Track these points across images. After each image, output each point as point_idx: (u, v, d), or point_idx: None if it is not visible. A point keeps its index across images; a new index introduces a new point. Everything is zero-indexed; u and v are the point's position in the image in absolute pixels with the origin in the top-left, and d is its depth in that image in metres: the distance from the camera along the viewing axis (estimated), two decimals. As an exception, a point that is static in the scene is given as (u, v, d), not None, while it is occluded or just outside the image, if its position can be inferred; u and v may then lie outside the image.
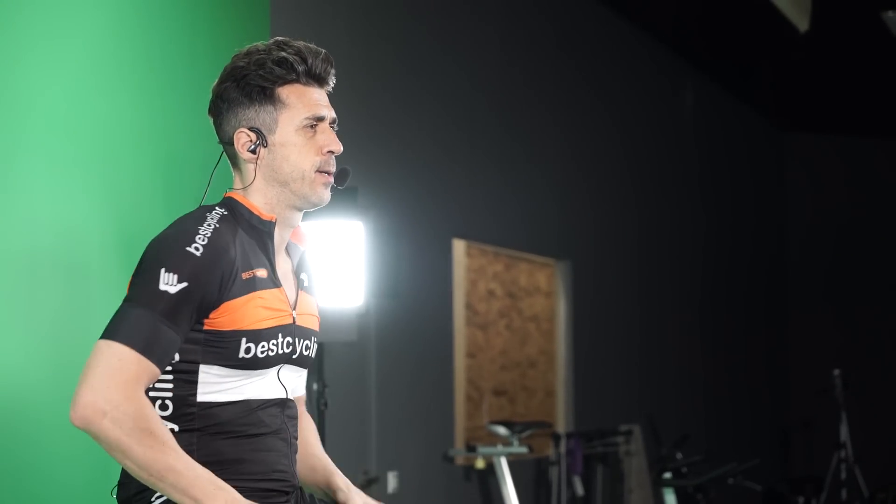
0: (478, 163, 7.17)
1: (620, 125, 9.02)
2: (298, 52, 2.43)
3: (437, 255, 6.79)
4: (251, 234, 2.42)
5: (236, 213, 2.42)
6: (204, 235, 2.31)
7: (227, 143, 2.46)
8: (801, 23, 8.23)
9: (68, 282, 3.72)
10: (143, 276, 2.28)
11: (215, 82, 2.47)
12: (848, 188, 11.68)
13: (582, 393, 8.30)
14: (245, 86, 2.42)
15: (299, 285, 2.52)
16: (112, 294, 3.61)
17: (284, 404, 2.46)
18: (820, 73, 9.92)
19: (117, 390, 2.20)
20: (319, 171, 2.43)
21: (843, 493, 9.13)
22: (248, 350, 2.35)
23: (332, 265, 4.80)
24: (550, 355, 8.22)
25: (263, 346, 2.36)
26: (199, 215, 2.37)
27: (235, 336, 2.33)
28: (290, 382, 2.48)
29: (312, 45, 2.46)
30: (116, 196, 3.88)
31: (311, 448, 2.65)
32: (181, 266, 2.27)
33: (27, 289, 3.60)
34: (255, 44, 2.46)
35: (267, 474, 2.40)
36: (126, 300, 2.28)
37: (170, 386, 2.35)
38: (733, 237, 10.90)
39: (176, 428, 2.34)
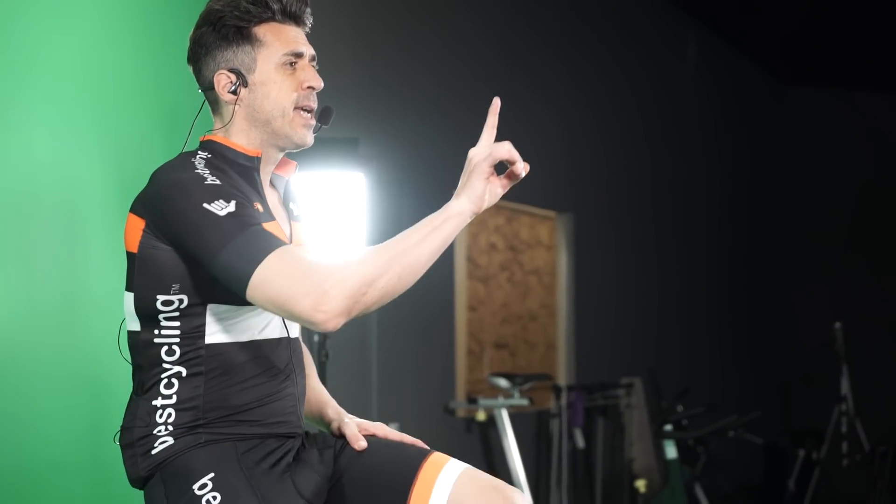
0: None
1: (624, 78, 8.97)
2: None
3: (438, 207, 6.74)
4: (239, 172, 2.39)
5: (219, 155, 2.40)
6: (204, 172, 2.30)
7: (208, 89, 2.45)
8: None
9: (68, 224, 3.71)
10: (203, 226, 2.21)
11: (192, 30, 2.46)
12: (851, 142, 11.64)
13: (583, 346, 8.30)
14: (221, 28, 2.40)
15: (290, 216, 2.52)
16: (110, 237, 3.61)
17: (290, 344, 2.45)
18: (825, 26, 9.85)
19: (312, 274, 2.18)
20: (299, 107, 2.42)
21: (844, 447, 9.13)
22: None
23: (332, 216, 4.78)
24: (551, 308, 8.22)
25: None
26: (184, 163, 2.34)
27: None
28: None
29: None
30: (117, 140, 3.88)
31: (308, 379, 2.61)
32: (217, 193, 2.24)
33: (27, 231, 3.59)
34: None
35: (277, 424, 2.40)
36: (220, 247, 2.19)
37: (177, 332, 2.33)
38: (735, 191, 10.87)
39: (183, 372, 2.33)
